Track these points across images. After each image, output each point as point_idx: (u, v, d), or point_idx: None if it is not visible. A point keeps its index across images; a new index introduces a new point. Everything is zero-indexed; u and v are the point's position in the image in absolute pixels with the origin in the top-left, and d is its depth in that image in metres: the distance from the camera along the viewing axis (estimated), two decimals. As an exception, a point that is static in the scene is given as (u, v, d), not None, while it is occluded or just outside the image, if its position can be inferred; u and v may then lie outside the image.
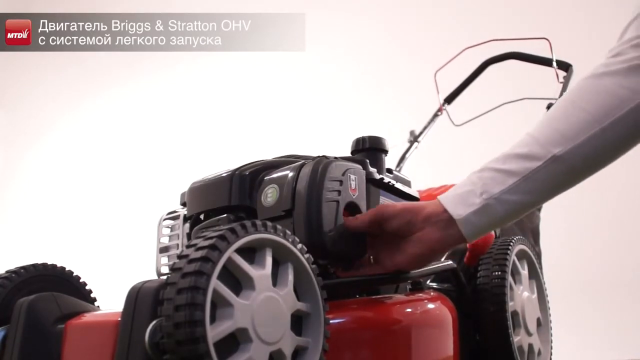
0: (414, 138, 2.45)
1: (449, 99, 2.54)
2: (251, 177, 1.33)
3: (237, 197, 1.32)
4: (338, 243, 1.24)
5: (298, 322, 1.02)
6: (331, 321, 1.07)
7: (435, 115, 2.52)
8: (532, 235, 2.06)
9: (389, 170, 1.47)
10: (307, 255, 1.05)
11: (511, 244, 1.59)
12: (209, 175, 1.39)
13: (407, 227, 1.14)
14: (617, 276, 3.33)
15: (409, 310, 1.34)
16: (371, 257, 1.31)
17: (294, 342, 0.98)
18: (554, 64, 2.22)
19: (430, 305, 1.39)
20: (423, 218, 1.12)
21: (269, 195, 1.30)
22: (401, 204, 1.26)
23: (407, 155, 2.39)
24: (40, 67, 5.84)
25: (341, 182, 1.28)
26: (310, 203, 1.22)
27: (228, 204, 1.32)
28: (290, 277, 1.02)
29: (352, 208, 1.29)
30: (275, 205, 1.27)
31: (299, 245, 1.05)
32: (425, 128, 2.49)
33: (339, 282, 1.27)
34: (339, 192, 1.26)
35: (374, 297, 1.40)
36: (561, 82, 2.21)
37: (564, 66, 2.26)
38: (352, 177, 1.31)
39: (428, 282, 1.55)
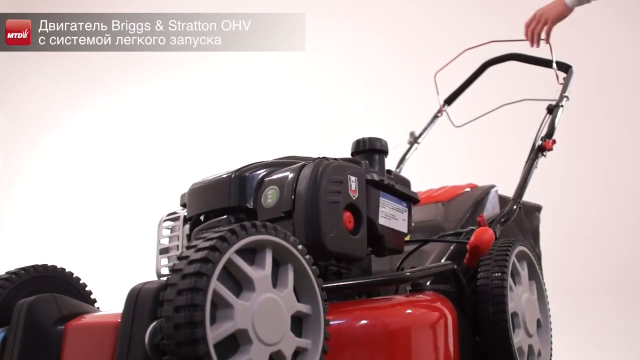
0: (414, 139, 2.44)
1: (449, 100, 2.53)
2: (251, 178, 1.33)
3: (237, 199, 1.32)
4: (338, 244, 1.24)
5: (298, 323, 1.02)
6: (331, 322, 1.07)
7: (435, 117, 2.51)
8: (532, 237, 2.06)
9: (389, 172, 1.47)
10: (307, 257, 1.05)
11: (511, 245, 1.59)
12: (209, 177, 1.39)
13: None
14: (616, 277, 3.33)
15: (408, 311, 1.33)
16: None
17: (294, 344, 0.98)
18: (554, 65, 2.21)
19: (430, 306, 1.39)
20: None
21: (269, 196, 1.30)
22: None
23: (407, 157, 2.39)
24: (40, 69, 5.83)
25: (341, 183, 1.28)
26: (310, 204, 1.22)
27: (227, 205, 1.32)
28: (291, 279, 1.02)
29: (352, 209, 1.30)
30: (276, 207, 1.27)
31: (300, 247, 1.05)
32: (425, 129, 2.49)
33: (340, 284, 1.28)
34: (339, 193, 1.27)
35: (374, 298, 1.40)
36: (561, 84, 2.19)
37: (564, 67, 2.24)
38: (352, 178, 1.31)
39: (428, 283, 1.55)
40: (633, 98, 3.74)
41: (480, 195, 1.90)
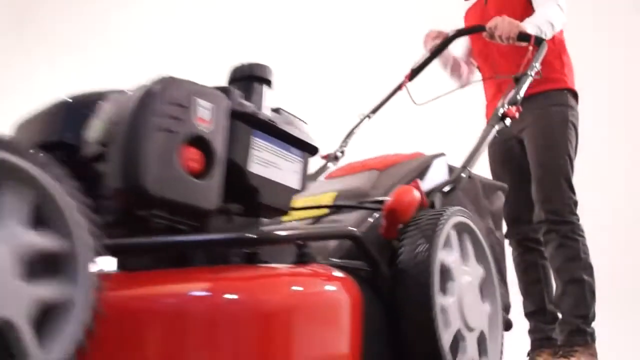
0: (367, 113, 2.10)
1: (411, 75, 2.18)
2: (76, 109, 1.01)
3: (58, 133, 1.00)
4: (169, 187, 0.90)
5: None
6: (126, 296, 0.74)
7: (395, 91, 2.17)
8: (492, 219, 1.68)
9: (277, 110, 1.14)
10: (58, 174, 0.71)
11: (446, 212, 1.24)
12: (37, 110, 1.08)
13: None
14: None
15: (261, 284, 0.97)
16: None
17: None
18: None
19: (312, 282, 1.03)
20: None
21: (94, 128, 0.97)
22: None
23: (355, 130, 2.04)
24: (36, 64, 5.68)
25: (185, 107, 0.94)
26: (130, 129, 0.89)
27: (48, 139, 1.00)
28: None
29: (200, 144, 0.96)
30: (99, 139, 0.95)
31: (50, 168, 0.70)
32: (381, 104, 2.14)
33: (158, 241, 0.93)
34: (179, 119, 0.93)
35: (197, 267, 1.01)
36: (530, 58, 1.88)
37: (537, 41, 1.94)
38: (205, 104, 0.97)
39: (332, 258, 1.20)
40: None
41: (422, 164, 1.54)
